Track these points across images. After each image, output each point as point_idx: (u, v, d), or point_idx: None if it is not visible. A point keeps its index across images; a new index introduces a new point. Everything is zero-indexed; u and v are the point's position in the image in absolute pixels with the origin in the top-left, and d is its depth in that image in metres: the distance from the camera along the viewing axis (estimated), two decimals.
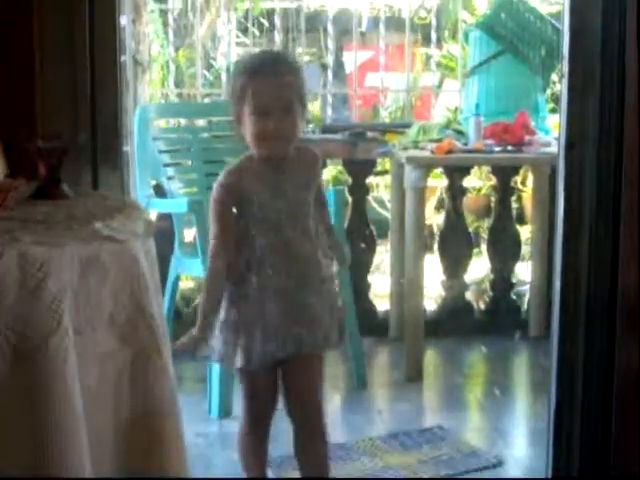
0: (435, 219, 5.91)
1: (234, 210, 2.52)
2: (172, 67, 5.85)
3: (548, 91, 5.03)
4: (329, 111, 5.40)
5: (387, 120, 6.30)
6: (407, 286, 4.21)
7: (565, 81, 2.65)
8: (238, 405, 3.62)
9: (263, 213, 2.49)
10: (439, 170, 5.12)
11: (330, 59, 5.66)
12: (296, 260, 2.51)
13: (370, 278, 4.80)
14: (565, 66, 2.65)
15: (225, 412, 3.61)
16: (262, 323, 2.50)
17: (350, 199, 4.70)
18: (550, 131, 4.58)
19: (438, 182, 5.71)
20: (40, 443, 1.72)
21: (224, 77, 5.77)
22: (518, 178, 5.40)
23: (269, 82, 2.44)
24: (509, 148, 4.21)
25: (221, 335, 2.54)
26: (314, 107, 5.74)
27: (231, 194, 2.49)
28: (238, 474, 3.16)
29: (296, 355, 2.54)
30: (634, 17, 2.52)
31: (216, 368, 3.57)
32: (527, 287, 4.89)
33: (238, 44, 7.25)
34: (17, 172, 2.32)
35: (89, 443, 1.78)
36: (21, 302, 1.71)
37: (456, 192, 4.78)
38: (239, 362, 2.53)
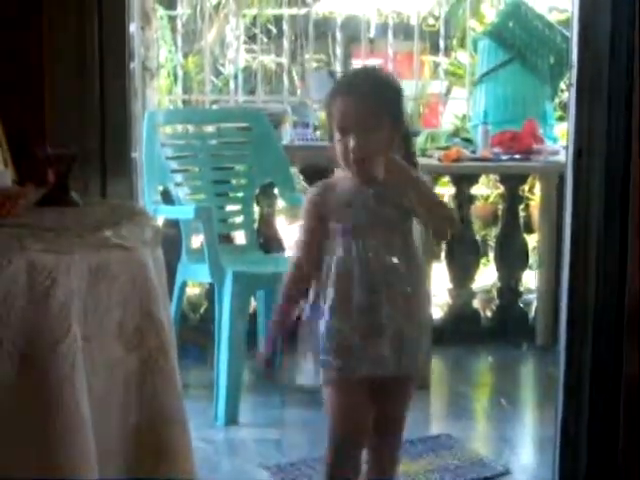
0: None
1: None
2: (180, 73, 5.86)
3: (556, 99, 5.03)
4: None
5: None
6: None
7: (573, 89, 2.65)
8: (244, 412, 3.65)
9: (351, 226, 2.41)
10: (447, 178, 5.12)
11: (338, 66, 5.66)
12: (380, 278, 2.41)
13: None
14: (573, 74, 2.65)
15: (231, 419, 3.61)
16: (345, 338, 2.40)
17: None
18: (558, 139, 4.58)
19: (446, 190, 5.70)
20: (48, 448, 1.72)
21: (232, 83, 5.78)
22: (526, 186, 5.39)
23: (351, 100, 2.37)
24: (517, 156, 4.21)
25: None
26: (322, 115, 5.73)
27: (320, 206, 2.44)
28: None
29: (386, 379, 2.44)
30: None
31: (223, 375, 3.57)
32: (534, 296, 4.88)
33: (246, 50, 7.27)
34: (26, 179, 2.33)
35: (96, 448, 1.79)
36: (30, 309, 1.71)
37: (464, 200, 4.77)
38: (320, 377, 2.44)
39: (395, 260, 2.41)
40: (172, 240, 3.88)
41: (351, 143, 2.34)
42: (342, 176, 2.46)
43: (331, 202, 2.43)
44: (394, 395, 2.52)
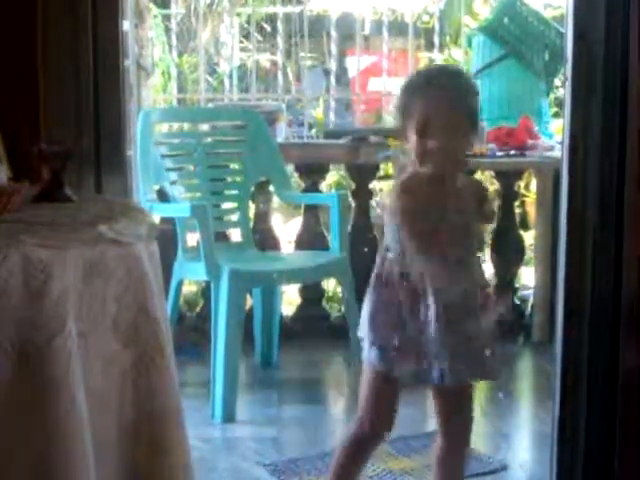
0: None
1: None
2: (175, 72, 5.86)
3: (551, 95, 5.03)
4: (332, 116, 5.40)
5: (390, 125, 6.29)
6: None
7: (568, 85, 2.65)
8: (241, 410, 3.64)
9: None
10: None
11: (333, 64, 5.66)
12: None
13: None
14: (568, 70, 2.65)
15: (228, 417, 3.60)
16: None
17: (353, 204, 4.70)
18: (553, 135, 4.58)
19: None
20: (44, 445, 1.72)
21: (227, 82, 5.77)
22: (521, 182, 5.39)
23: (436, 99, 2.32)
24: (512, 152, 4.21)
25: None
26: (317, 112, 5.74)
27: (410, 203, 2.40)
28: (240, 479, 3.16)
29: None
30: (637, 21, 2.52)
31: (220, 372, 3.57)
32: (531, 292, 4.88)
33: (241, 49, 7.27)
34: (21, 176, 2.32)
35: (92, 443, 1.78)
36: (25, 304, 1.71)
37: None
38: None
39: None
40: (168, 238, 3.87)
41: (440, 142, 2.30)
42: (419, 174, 2.40)
43: (416, 199, 2.38)
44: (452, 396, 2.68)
